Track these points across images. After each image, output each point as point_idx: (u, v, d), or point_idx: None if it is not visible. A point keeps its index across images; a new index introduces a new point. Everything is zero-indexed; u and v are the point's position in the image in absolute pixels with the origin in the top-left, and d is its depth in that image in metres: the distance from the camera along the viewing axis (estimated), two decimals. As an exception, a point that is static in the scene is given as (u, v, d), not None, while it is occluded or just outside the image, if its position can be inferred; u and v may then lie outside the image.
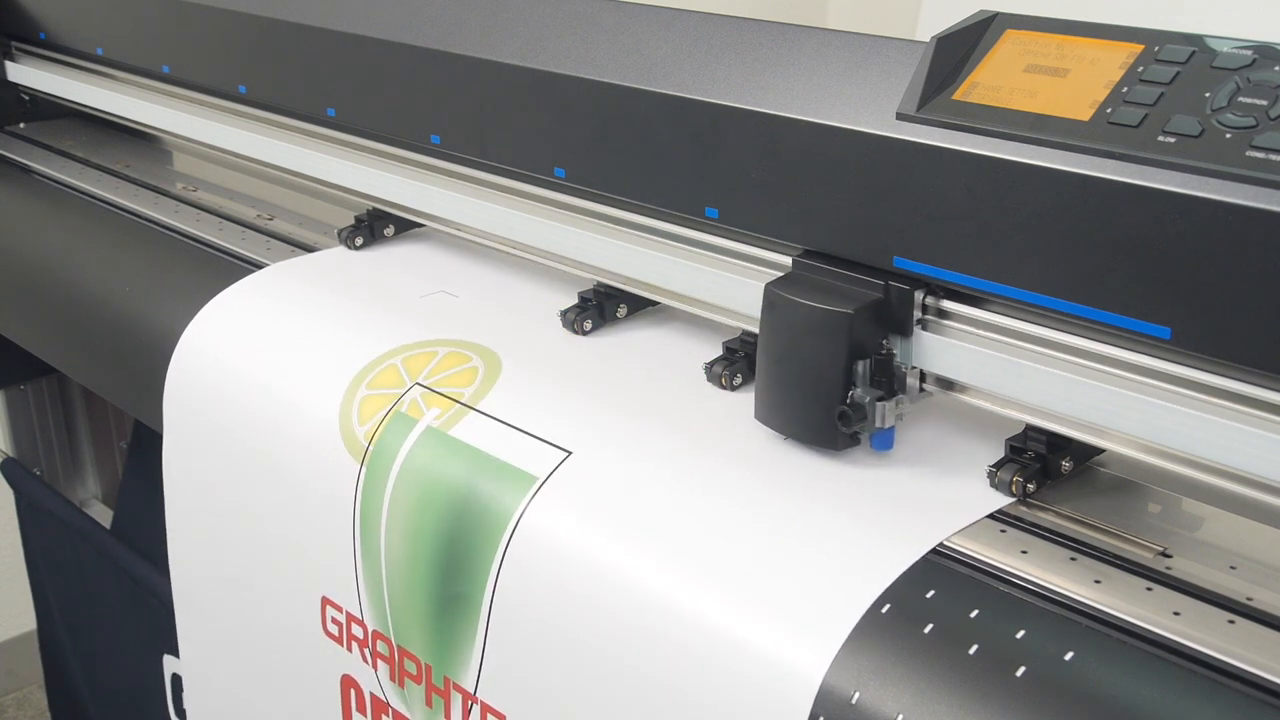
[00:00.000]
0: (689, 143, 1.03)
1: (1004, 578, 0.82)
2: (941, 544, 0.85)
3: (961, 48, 0.89)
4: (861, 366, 0.91)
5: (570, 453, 0.99)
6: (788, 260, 1.01)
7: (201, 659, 1.49)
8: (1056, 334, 0.86)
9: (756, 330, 1.06)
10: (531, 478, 0.98)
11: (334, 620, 1.13)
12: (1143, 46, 0.82)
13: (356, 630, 1.11)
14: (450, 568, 1.01)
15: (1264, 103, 0.75)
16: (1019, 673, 0.73)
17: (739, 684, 0.81)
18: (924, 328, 0.93)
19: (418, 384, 1.12)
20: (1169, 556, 0.83)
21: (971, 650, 0.75)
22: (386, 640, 1.08)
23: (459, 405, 1.08)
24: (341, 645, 1.13)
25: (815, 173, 0.95)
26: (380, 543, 1.07)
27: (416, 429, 1.08)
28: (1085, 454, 0.92)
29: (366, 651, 1.11)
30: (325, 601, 1.14)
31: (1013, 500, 0.89)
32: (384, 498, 1.07)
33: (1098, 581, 0.81)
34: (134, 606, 1.65)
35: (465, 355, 1.15)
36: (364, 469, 1.08)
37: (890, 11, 3.01)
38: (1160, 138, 0.78)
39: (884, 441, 0.94)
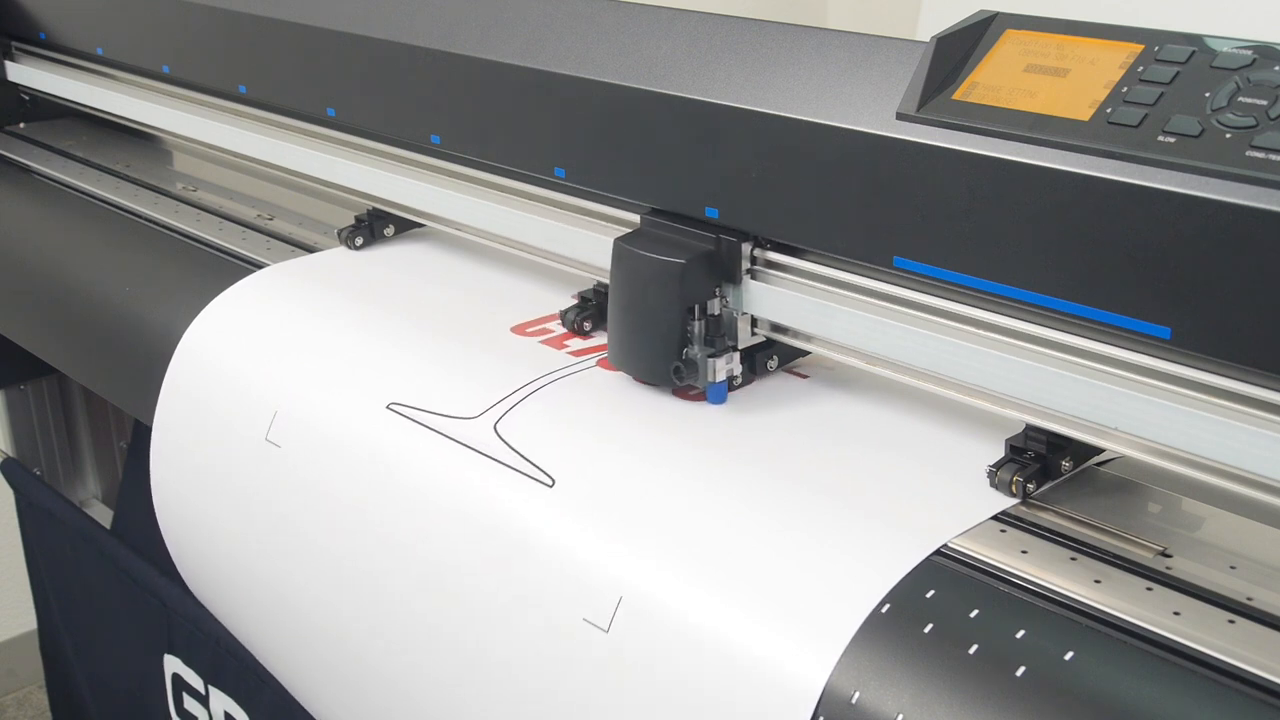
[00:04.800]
0: (689, 142, 1.03)
1: (1004, 578, 0.81)
2: (943, 545, 0.85)
3: (961, 48, 0.89)
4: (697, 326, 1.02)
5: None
6: (792, 261, 1.01)
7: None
8: (1056, 334, 0.86)
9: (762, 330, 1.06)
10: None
11: (334, 620, 1.13)
12: (1143, 46, 0.82)
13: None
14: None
15: (1264, 103, 0.75)
16: (1019, 673, 0.73)
17: (741, 685, 0.81)
18: (753, 277, 1.02)
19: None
20: (1169, 556, 0.83)
21: (971, 650, 0.75)
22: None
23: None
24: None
25: (815, 172, 0.95)
26: (380, 543, 1.07)
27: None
28: (1085, 454, 0.92)
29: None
30: (325, 601, 1.14)
31: (1014, 501, 0.89)
32: (384, 498, 1.07)
33: (1098, 581, 0.81)
34: (134, 606, 1.65)
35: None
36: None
37: (890, 11, 3.02)
38: (1160, 138, 0.78)
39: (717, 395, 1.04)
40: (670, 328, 1.01)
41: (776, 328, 1.05)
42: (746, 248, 1.02)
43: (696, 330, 1.02)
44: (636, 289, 1.03)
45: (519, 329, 1.19)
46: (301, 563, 1.13)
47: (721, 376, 1.03)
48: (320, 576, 1.11)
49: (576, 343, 1.15)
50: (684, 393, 1.04)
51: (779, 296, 1.02)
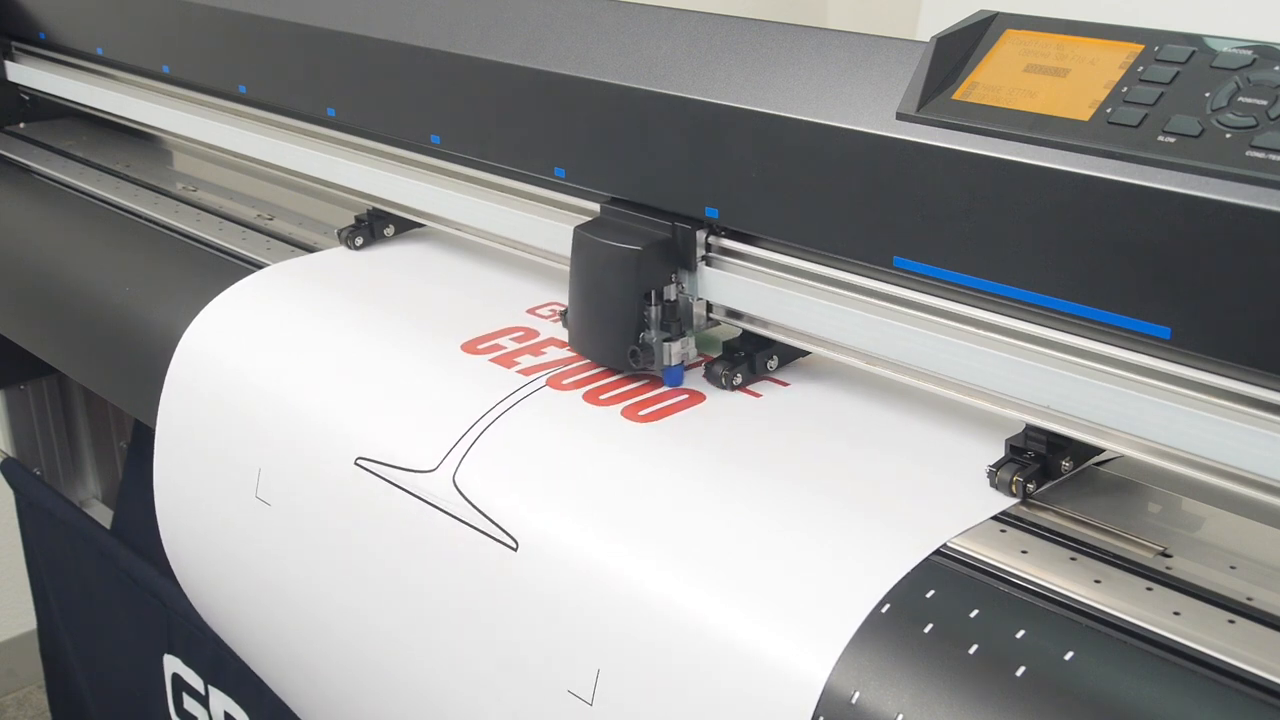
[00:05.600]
0: (689, 143, 1.03)
1: (1004, 578, 0.81)
2: (942, 545, 0.85)
3: (961, 48, 0.89)
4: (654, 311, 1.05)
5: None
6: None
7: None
8: (1056, 334, 0.86)
9: (754, 329, 1.06)
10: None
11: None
12: (1143, 46, 0.82)
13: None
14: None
15: (1264, 103, 0.75)
16: (1019, 673, 0.73)
17: (741, 685, 0.81)
18: (707, 264, 1.06)
19: None
20: (1169, 556, 0.83)
21: (971, 650, 0.75)
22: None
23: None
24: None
25: (815, 172, 0.95)
26: (380, 543, 1.07)
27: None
28: (1085, 454, 0.92)
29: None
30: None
31: (1014, 501, 0.89)
32: (384, 498, 1.07)
33: (1098, 581, 0.81)
34: (134, 606, 1.65)
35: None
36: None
37: (890, 11, 3.02)
38: (1160, 138, 0.78)
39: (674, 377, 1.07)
40: (628, 313, 1.05)
41: (731, 313, 1.08)
42: (701, 235, 1.05)
43: (653, 315, 1.05)
44: (595, 275, 1.06)
45: (469, 346, 1.16)
46: (301, 578, 1.13)
47: (676, 360, 1.06)
48: (317, 593, 1.11)
49: (527, 359, 1.13)
50: (633, 412, 1.03)
51: (732, 282, 1.05)
